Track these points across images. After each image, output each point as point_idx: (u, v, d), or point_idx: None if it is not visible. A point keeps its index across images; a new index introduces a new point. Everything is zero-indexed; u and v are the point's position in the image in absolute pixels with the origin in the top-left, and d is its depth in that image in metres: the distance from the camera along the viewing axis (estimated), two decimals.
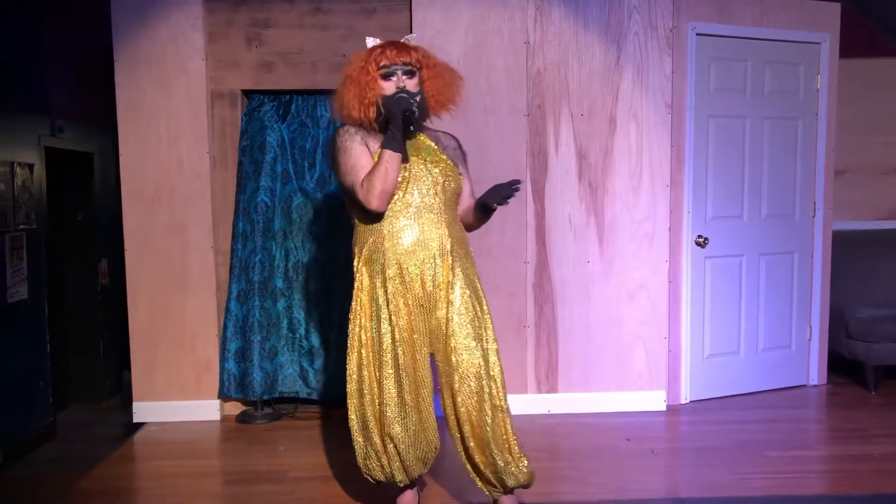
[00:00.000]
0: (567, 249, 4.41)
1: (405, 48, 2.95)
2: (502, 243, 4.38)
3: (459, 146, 3.18)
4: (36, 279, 4.91)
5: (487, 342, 2.96)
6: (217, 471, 3.82)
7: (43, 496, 3.59)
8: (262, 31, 4.35)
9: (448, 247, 2.94)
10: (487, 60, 4.32)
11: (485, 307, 3.02)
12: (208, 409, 4.44)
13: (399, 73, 2.89)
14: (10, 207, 4.66)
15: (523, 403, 4.41)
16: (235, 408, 4.54)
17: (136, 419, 4.42)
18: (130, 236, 4.35)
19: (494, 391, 2.92)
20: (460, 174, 3.08)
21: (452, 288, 2.94)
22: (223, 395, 4.45)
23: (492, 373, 2.93)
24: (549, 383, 4.46)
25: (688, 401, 4.64)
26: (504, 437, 2.94)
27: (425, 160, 2.96)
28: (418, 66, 2.94)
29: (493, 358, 2.95)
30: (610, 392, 4.48)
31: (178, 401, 4.41)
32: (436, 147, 3.04)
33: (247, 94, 4.52)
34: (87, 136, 5.72)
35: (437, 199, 2.95)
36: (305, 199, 4.50)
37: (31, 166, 4.93)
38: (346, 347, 4.41)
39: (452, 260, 2.94)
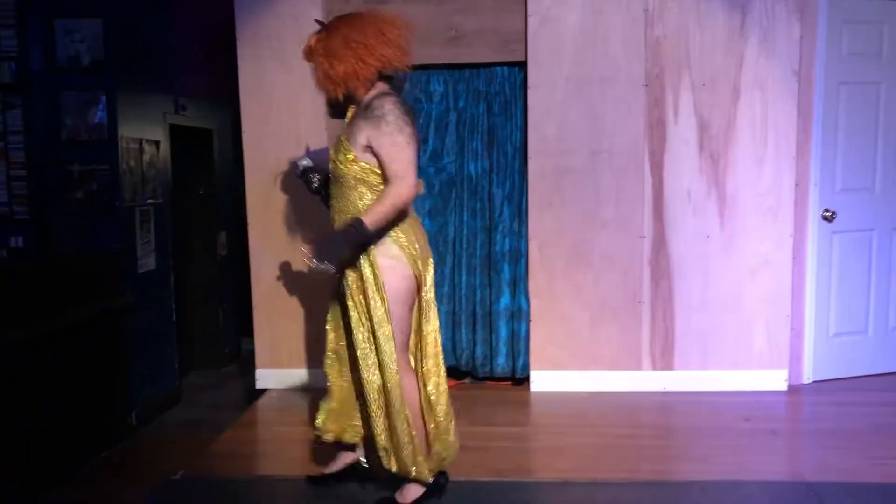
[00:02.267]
0: (685, 223, 4.29)
1: (306, 50, 2.91)
2: (617, 217, 4.30)
3: (377, 111, 2.76)
4: (162, 250, 5.15)
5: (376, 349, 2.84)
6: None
7: (177, 457, 3.79)
8: (377, 6, 4.38)
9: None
10: (604, 30, 4.22)
11: (375, 311, 2.80)
12: (314, 378, 4.57)
13: None
14: (139, 182, 4.90)
15: (637, 380, 4.35)
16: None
17: (258, 385, 4.60)
18: (253, 210, 4.50)
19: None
20: (352, 158, 2.79)
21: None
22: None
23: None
24: (664, 360, 4.37)
25: (811, 381, 4.47)
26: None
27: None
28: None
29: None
30: (728, 370, 4.35)
31: (297, 368, 4.55)
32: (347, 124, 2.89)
33: None
34: (207, 113, 5.93)
35: (334, 185, 2.88)
36: (418, 174, 4.52)
37: (157, 143, 5.16)
38: (455, 320, 4.52)
39: None
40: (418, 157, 2.89)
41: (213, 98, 5.86)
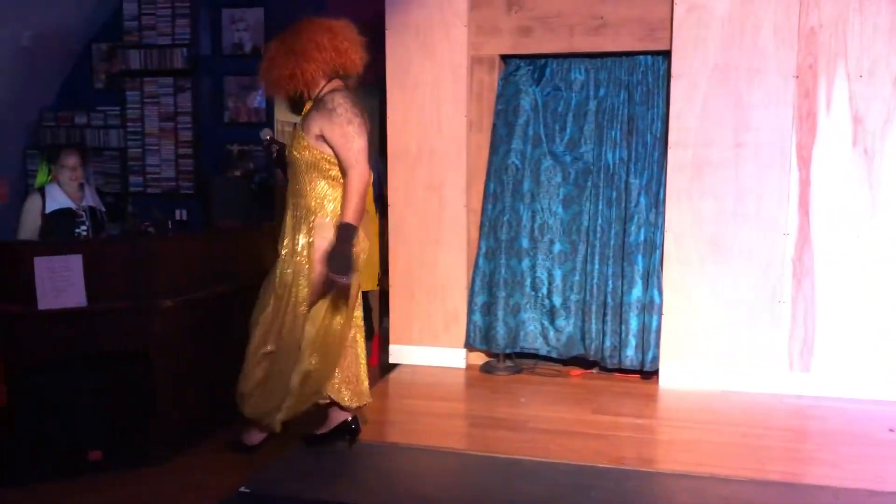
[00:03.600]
0: (834, 222, 4.10)
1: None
2: (759, 212, 4.17)
3: (328, 104, 3.10)
4: None
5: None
6: (462, 413, 4.07)
7: (313, 422, 4.03)
8: None
9: (288, 225, 3.20)
10: (754, 18, 4.09)
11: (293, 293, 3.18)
12: (455, 357, 4.72)
13: None
14: None
15: (772, 382, 4.21)
16: (479, 358, 4.78)
17: (391, 360, 4.81)
18: (394, 193, 4.70)
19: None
20: (305, 145, 3.12)
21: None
22: (469, 345, 4.70)
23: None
24: (802, 363, 4.20)
25: None
26: None
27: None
28: None
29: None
30: (873, 377, 4.13)
31: (428, 346, 4.72)
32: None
33: (504, 58, 4.66)
34: (358, 100, 6.20)
35: (290, 170, 3.21)
36: (554, 161, 4.57)
37: None
38: (584, 309, 4.53)
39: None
40: (369, 146, 3.19)
41: (362, 84, 6.11)
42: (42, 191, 4.38)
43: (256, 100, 5.17)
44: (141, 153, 5.34)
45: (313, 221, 3.15)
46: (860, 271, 4.10)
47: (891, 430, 3.71)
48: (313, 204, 3.16)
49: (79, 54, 5.49)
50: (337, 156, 3.10)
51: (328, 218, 3.15)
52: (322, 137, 3.09)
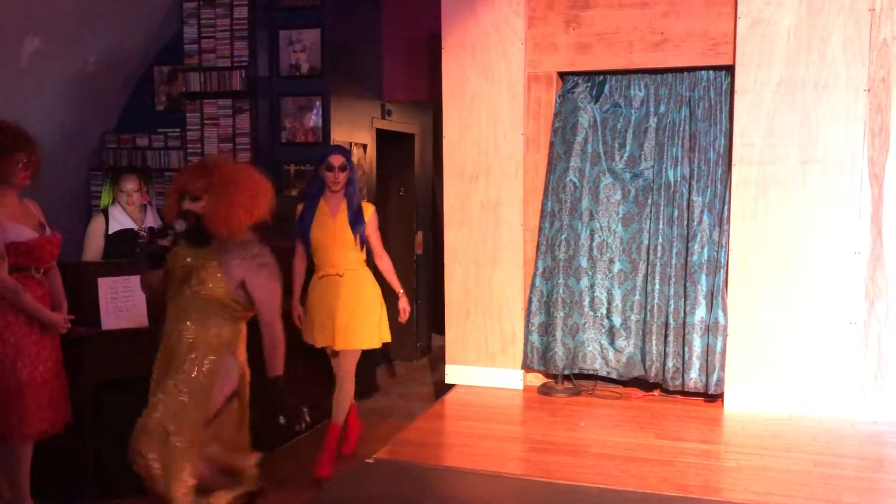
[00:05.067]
0: None
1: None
2: (828, 230, 4.03)
3: (254, 253, 3.06)
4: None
5: None
6: (520, 437, 4.00)
7: (371, 442, 4.02)
8: (580, 13, 4.41)
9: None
10: (822, 30, 3.97)
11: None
12: (512, 378, 4.65)
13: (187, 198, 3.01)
14: None
15: (844, 406, 4.05)
16: (537, 379, 4.70)
17: (447, 380, 4.77)
18: (450, 211, 4.67)
19: None
20: (222, 286, 3.03)
21: None
22: (526, 366, 4.63)
23: None
24: (877, 387, 4.03)
25: None
26: None
27: None
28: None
29: None
30: None
31: (485, 367, 4.67)
32: None
33: (561, 76, 4.61)
34: (410, 118, 6.22)
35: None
36: (613, 179, 4.50)
37: (364, 146, 5.49)
38: (645, 329, 4.42)
39: None
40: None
41: (416, 103, 6.14)
42: (105, 212, 4.46)
43: (313, 119, 5.20)
44: None
45: (213, 360, 3.03)
46: None
47: None
48: (215, 342, 3.03)
49: (140, 77, 5.61)
50: (257, 307, 3.03)
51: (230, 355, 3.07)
52: (243, 285, 3.00)
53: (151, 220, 4.54)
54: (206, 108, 5.25)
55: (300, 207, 4.24)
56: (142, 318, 3.83)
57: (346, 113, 5.24)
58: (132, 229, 4.44)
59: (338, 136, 5.11)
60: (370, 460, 3.50)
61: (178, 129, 5.41)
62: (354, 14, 5.38)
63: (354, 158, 5.32)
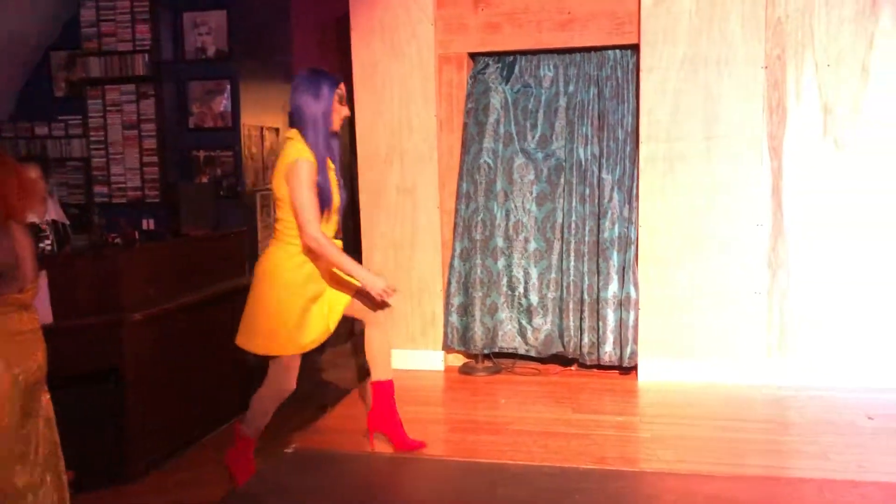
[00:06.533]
0: (807, 211, 4.10)
1: None
2: (733, 204, 4.16)
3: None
4: None
5: None
6: (442, 418, 4.03)
7: (291, 431, 3.97)
8: None
9: None
10: (722, 9, 4.08)
11: None
12: (433, 360, 4.67)
13: None
14: (260, 168, 5.13)
15: (750, 373, 4.22)
16: (458, 360, 4.74)
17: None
18: (365, 195, 4.63)
19: None
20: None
21: None
22: (447, 347, 4.66)
23: None
24: (780, 352, 4.21)
25: None
26: None
27: None
28: None
29: None
30: (850, 365, 4.15)
31: (406, 349, 4.66)
32: None
33: (472, 56, 4.61)
34: None
35: None
36: (526, 159, 4.54)
37: (277, 130, 5.39)
38: (562, 307, 4.50)
39: None
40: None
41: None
42: None
43: (222, 104, 5.06)
44: (105, 162, 5.22)
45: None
46: (834, 260, 4.11)
47: (869, 418, 3.72)
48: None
49: (39, 62, 5.35)
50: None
51: None
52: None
53: (53, 213, 4.35)
54: (108, 94, 5.06)
55: (306, 165, 3.08)
56: (46, 314, 3.68)
57: (257, 97, 5.13)
58: (33, 223, 4.25)
59: (248, 120, 5.00)
60: (289, 450, 3.45)
61: (79, 117, 5.20)
62: None
63: (267, 143, 5.22)
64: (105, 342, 3.53)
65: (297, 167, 3.08)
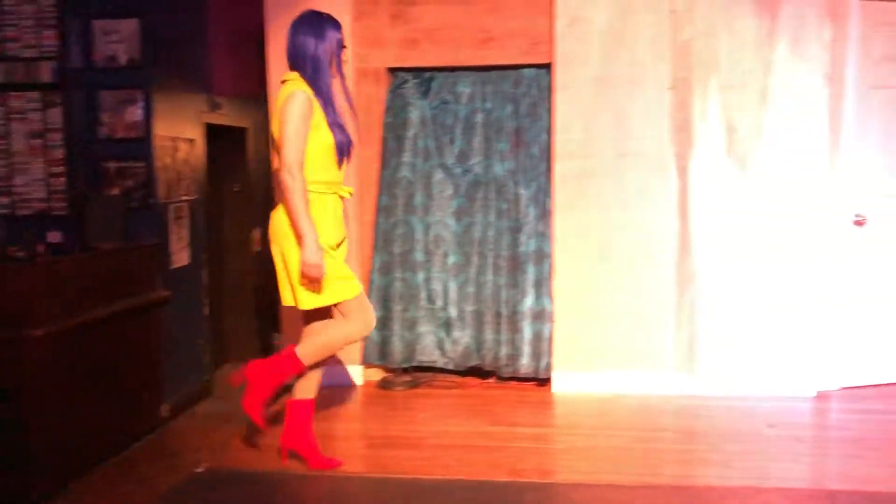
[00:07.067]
0: (712, 227, 4.27)
1: None
2: (643, 219, 4.30)
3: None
4: (196, 246, 5.26)
5: None
6: (359, 434, 4.00)
7: (203, 450, 3.88)
8: (406, 9, 4.43)
9: None
10: (633, 30, 4.21)
11: None
12: (351, 375, 4.64)
13: None
14: (173, 179, 5.00)
15: (661, 384, 4.35)
16: (376, 374, 4.72)
17: (287, 381, 4.67)
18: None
19: None
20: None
21: None
22: (365, 362, 4.64)
23: None
24: (688, 364, 4.36)
25: (839, 387, 4.42)
26: None
27: None
28: None
29: None
30: (753, 375, 4.32)
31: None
32: None
33: (391, 71, 4.62)
34: (242, 112, 6.03)
35: None
36: (445, 174, 4.57)
37: (191, 141, 5.26)
38: (483, 320, 4.55)
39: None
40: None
41: (249, 97, 5.96)
42: None
43: (135, 114, 4.91)
44: (8, 172, 4.99)
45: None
46: (738, 274, 4.29)
47: (771, 426, 3.89)
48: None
49: None
50: None
51: None
52: None
53: None
54: (11, 101, 4.83)
55: (301, 96, 3.03)
56: None
57: (172, 107, 5.00)
58: None
59: (162, 130, 4.87)
60: (199, 469, 3.39)
61: None
62: (177, 3, 5.13)
63: (181, 154, 5.10)
64: (3, 360, 3.38)
65: (292, 97, 3.02)
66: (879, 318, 4.45)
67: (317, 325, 3.35)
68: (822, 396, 4.32)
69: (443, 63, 4.47)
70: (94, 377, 3.78)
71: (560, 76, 4.27)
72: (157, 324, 4.66)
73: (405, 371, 4.66)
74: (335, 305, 3.25)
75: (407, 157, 4.52)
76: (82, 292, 3.89)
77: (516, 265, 4.48)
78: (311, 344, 3.31)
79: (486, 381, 4.67)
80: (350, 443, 3.83)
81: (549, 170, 4.41)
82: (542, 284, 4.43)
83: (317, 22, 3.16)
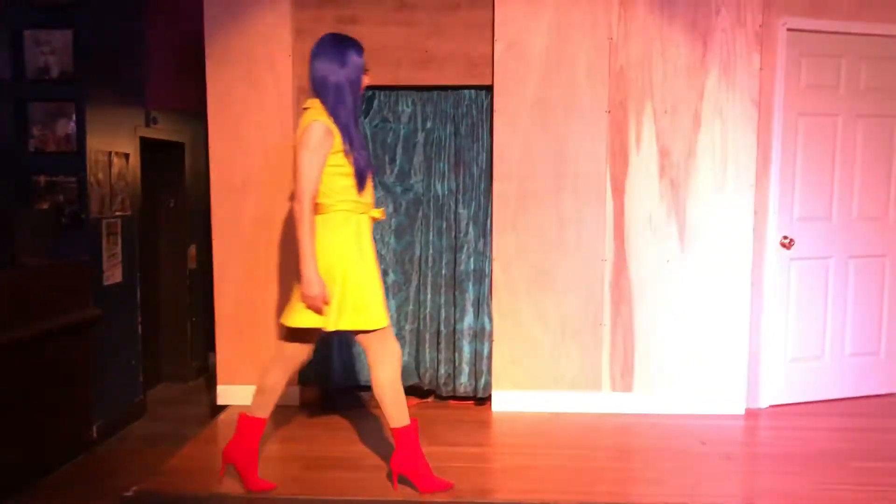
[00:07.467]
0: (646, 248, 4.37)
1: None
2: (579, 240, 4.37)
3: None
4: (130, 263, 5.14)
5: None
6: (296, 455, 3.94)
7: (134, 472, 3.78)
8: (347, 28, 4.42)
9: None
10: (570, 57, 4.30)
11: None
12: (289, 395, 4.55)
13: None
14: (107, 194, 4.89)
15: (597, 402, 4.41)
16: (315, 394, 4.66)
17: (219, 401, 4.60)
18: (219, 226, 4.51)
19: None
20: None
21: None
22: (302, 382, 4.58)
23: None
24: (623, 383, 4.43)
25: (768, 405, 4.55)
26: None
27: None
28: None
29: None
30: (686, 394, 4.42)
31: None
32: None
33: None
34: (179, 127, 5.94)
35: None
36: (386, 192, 4.57)
37: (126, 156, 5.16)
38: (419, 338, 4.54)
39: None
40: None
41: (186, 112, 5.87)
42: None
43: (68, 127, 4.80)
44: None
45: None
46: (671, 295, 4.39)
47: (702, 444, 3.97)
48: None
49: None
50: None
51: None
52: None
53: None
54: None
55: (320, 127, 3.02)
56: None
57: (106, 120, 4.90)
58: None
59: (96, 144, 4.76)
60: (128, 493, 3.29)
61: None
62: (112, 15, 5.04)
63: (115, 169, 4.99)
64: None
65: (310, 128, 3.00)
66: (806, 337, 4.60)
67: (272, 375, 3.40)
68: (750, 414, 4.44)
69: (383, 82, 4.48)
70: (19, 397, 3.66)
71: (499, 98, 4.33)
72: (88, 343, 4.54)
73: (344, 391, 4.62)
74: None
75: None
76: (8, 309, 3.77)
77: (456, 284, 4.50)
78: (254, 396, 3.42)
79: (425, 400, 4.66)
80: (286, 464, 3.77)
81: (489, 190, 4.46)
82: (482, 303, 4.46)
83: (339, 47, 3.13)
